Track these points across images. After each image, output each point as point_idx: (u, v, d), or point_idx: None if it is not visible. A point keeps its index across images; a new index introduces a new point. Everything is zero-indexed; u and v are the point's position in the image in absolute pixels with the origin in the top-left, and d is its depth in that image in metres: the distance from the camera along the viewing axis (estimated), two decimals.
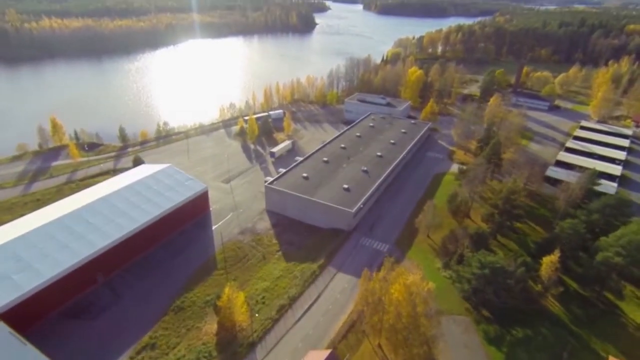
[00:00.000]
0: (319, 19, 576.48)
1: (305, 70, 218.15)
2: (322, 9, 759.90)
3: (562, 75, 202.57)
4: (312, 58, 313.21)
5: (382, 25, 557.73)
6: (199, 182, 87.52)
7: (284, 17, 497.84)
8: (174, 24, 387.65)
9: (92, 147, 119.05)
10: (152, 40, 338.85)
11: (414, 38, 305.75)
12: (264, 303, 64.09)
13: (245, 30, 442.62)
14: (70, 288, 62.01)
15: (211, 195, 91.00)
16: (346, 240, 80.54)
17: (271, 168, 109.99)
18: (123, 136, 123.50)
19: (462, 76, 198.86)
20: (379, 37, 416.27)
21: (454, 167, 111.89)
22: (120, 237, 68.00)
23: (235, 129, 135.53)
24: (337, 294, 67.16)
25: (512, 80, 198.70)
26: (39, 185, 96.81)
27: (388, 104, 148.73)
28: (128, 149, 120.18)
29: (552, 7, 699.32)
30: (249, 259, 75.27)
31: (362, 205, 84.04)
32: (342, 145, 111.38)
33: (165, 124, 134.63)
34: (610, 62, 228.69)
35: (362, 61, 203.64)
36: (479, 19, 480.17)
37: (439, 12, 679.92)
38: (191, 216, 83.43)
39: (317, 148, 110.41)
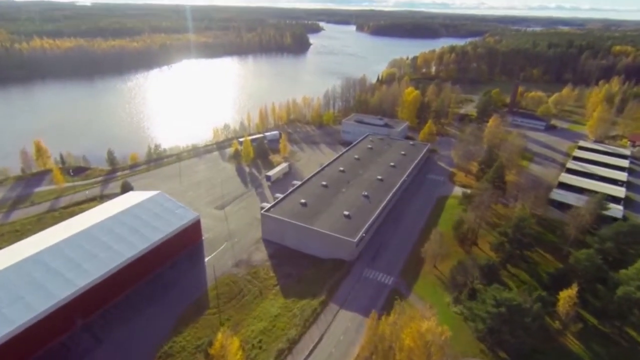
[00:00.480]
0: (312, 39, 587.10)
1: (300, 90, 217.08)
2: (316, 29, 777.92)
3: (555, 95, 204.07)
4: (307, 78, 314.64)
5: (375, 46, 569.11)
6: (191, 210, 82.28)
7: (278, 38, 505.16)
8: (168, 44, 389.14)
9: (78, 171, 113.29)
10: (146, 60, 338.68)
11: (407, 58, 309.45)
12: (260, 348, 58.22)
13: (239, 50, 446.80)
14: (45, 334, 55.61)
15: (204, 223, 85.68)
16: (348, 272, 75.40)
17: (267, 193, 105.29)
18: (112, 159, 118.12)
19: (457, 96, 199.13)
20: (373, 57, 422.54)
21: (456, 190, 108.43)
22: (104, 275, 62.10)
23: (230, 151, 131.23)
24: (341, 335, 61.61)
25: (507, 99, 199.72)
26: (19, 214, 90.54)
27: (386, 125, 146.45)
28: (117, 173, 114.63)
29: (538, 29, 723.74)
30: (244, 294, 69.56)
31: (364, 234, 79.44)
32: (341, 168, 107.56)
33: (156, 146, 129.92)
34: (601, 82, 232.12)
35: (358, 81, 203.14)
36: (469, 39, 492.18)
37: (430, 33, 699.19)
38: (182, 247, 77.82)
39: (315, 171, 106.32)
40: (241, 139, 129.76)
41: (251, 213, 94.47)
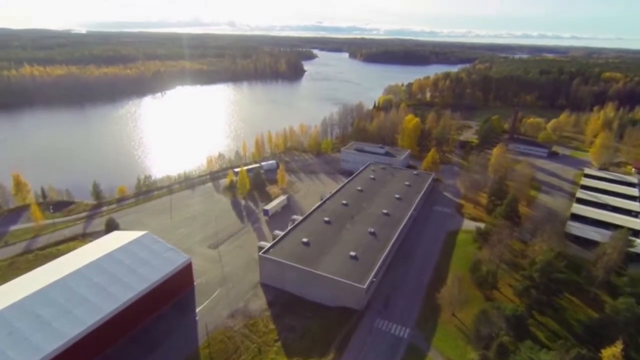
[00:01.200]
0: (307, 66, 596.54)
1: (296, 116, 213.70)
2: (310, 56, 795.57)
3: (553, 121, 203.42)
4: (303, 104, 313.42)
5: (369, 72, 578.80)
6: (181, 252, 74.14)
7: (273, 65, 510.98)
8: (162, 71, 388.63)
9: (59, 206, 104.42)
10: (140, 87, 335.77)
11: (403, 85, 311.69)
12: None
13: (234, 77, 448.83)
14: None
15: (196, 265, 77.28)
16: (358, 323, 67.02)
17: (265, 228, 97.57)
18: (97, 193, 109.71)
19: (455, 122, 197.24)
20: (367, 84, 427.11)
21: (466, 224, 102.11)
22: (77, 335, 52.99)
23: (225, 182, 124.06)
24: None
25: (506, 126, 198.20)
26: None
27: (387, 153, 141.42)
28: (102, 208, 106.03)
29: (524, 56, 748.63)
30: (241, 353, 60.55)
31: (374, 279, 71.71)
32: (344, 202, 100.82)
33: (146, 177, 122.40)
34: (595, 108, 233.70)
35: (355, 108, 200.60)
36: (459, 66, 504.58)
37: (421, 60, 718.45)
38: (171, 296, 69.08)
39: (316, 205, 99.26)
40: (237, 169, 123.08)
41: (248, 252, 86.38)
